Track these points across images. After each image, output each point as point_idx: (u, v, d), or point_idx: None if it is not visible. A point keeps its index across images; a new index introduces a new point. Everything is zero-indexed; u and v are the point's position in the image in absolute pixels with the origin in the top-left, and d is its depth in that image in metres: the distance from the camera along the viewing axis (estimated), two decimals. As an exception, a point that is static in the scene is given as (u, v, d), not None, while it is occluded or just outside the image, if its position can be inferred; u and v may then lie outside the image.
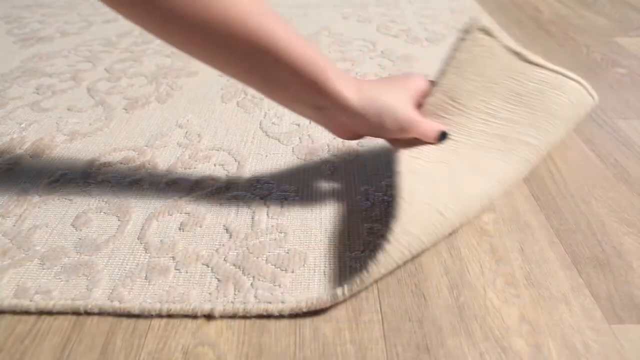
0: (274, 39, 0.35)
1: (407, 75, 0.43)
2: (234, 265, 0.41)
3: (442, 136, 0.41)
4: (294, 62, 0.36)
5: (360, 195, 0.49)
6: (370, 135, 0.42)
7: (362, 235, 0.44)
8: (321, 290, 0.38)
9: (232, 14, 0.34)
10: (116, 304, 0.37)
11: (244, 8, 0.34)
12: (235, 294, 0.38)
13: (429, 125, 0.40)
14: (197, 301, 0.37)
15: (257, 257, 0.41)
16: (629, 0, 1.12)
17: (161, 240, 0.43)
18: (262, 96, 0.69)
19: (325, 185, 0.51)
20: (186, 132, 0.60)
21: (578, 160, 0.54)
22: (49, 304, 0.37)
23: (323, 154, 0.56)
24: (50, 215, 0.47)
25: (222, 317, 0.37)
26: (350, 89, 0.39)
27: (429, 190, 0.38)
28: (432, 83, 0.42)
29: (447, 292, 0.38)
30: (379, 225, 0.45)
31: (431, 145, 0.41)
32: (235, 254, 0.42)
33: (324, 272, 0.40)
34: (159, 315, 0.37)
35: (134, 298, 0.38)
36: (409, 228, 0.36)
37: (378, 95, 0.39)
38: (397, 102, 0.39)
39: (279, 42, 0.35)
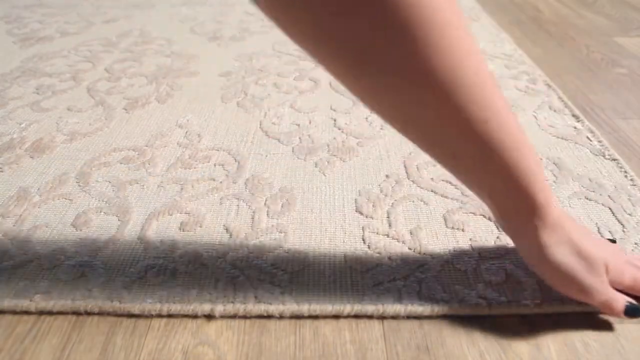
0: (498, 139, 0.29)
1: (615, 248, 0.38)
2: (234, 265, 0.41)
3: (631, 311, 0.34)
4: (507, 172, 0.31)
5: (360, 194, 0.49)
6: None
7: (362, 235, 0.44)
8: (321, 290, 0.38)
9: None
10: (116, 304, 0.37)
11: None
12: (235, 294, 0.38)
13: (613, 297, 0.34)
14: (197, 301, 0.37)
15: (257, 257, 0.41)
16: (629, 0, 1.12)
17: (161, 240, 0.43)
18: (262, 96, 0.69)
19: (325, 185, 0.51)
20: (186, 132, 0.60)
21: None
22: (49, 304, 0.37)
23: (323, 154, 0.56)
24: (50, 215, 0.47)
25: (222, 317, 0.37)
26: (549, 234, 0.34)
27: None
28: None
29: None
30: (379, 224, 0.45)
31: None
32: (235, 253, 0.42)
33: (324, 272, 0.40)
34: (159, 315, 0.37)
35: (134, 298, 0.38)
36: None
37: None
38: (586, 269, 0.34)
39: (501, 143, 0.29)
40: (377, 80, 0.27)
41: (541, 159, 0.54)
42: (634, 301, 0.35)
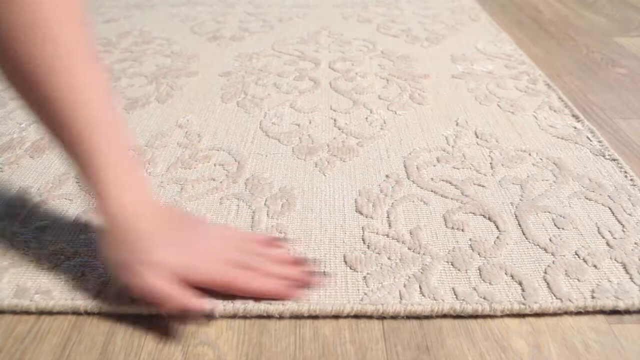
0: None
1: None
2: (234, 265, 0.41)
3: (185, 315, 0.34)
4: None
5: (360, 195, 0.49)
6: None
7: (361, 235, 0.44)
8: (321, 290, 0.38)
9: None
10: (116, 304, 0.37)
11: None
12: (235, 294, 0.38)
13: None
14: (197, 301, 0.37)
15: (257, 257, 0.41)
16: (629, 0, 1.12)
17: (161, 240, 0.43)
18: (262, 96, 0.69)
19: (325, 185, 0.51)
20: (186, 132, 0.60)
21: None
22: (49, 304, 0.37)
23: (323, 153, 0.56)
24: (50, 215, 0.47)
25: (222, 317, 0.37)
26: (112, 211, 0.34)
27: None
28: None
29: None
30: (379, 224, 0.45)
31: None
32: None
33: (324, 272, 0.40)
34: (159, 315, 0.37)
35: (134, 298, 0.38)
36: None
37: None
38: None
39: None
40: None
41: (541, 159, 0.54)
42: (192, 306, 0.34)
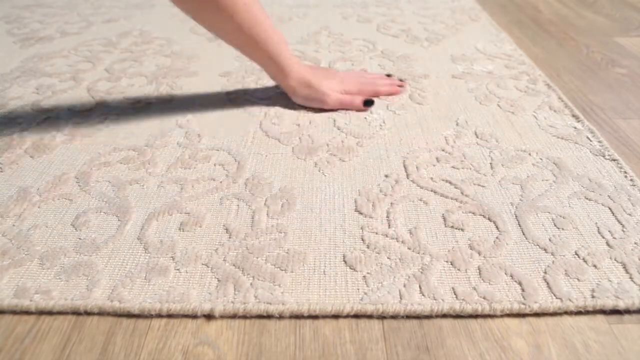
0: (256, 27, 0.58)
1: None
2: (234, 265, 0.41)
3: (366, 102, 0.65)
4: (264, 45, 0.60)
5: (360, 194, 0.49)
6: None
7: (361, 235, 0.44)
8: (321, 290, 0.38)
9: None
10: (116, 304, 0.37)
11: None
12: (235, 294, 0.38)
13: (351, 99, 0.65)
14: (197, 301, 0.37)
15: (257, 257, 0.41)
16: (629, 0, 1.12)
17: (161, 240, 0.43)
18: (262, 96, 0.70)
19: (325, 185, 0.51)
20: (186, 132, 0.60)
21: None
22: (49, 304, 0.37)
23: (323, 153, 0.56)
24: (50, 215, 0.47)
25: (222, 317, 0.37)
26: (292, 77, 0.64)
27: None
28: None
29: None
30: (379, 224, 0.45)
31: None
32: (235, 254, 0.42)
33: (324, 271, 0.40)
34: (159, 315, 0.37)
35: (134, 298, 0.38)
36: None
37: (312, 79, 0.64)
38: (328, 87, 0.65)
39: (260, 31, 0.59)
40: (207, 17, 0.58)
41: (541, 159, 0.54)
42: (367, 98, 0.66)
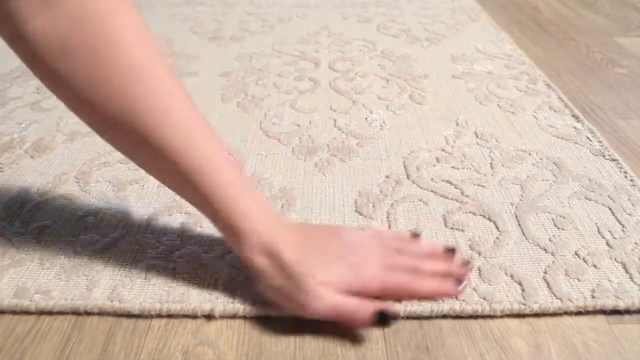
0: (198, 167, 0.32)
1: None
2: (234, 265, 0.41)
3: (380, 319, 0.33)
4: (217, 205, 0.33)
5: (360, 195, 0.49)
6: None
7: (362, 235, 0.44)
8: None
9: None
10: (116, 304, 0.37)
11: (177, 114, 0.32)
12: (235, 294, 0.38)
13: (358, 306, 0.34)
14: (197, 301, 0.37)
15: (257, 257, 0.41)
16: (629, 0, 1.12)
17: (161, 240, 0.43)
18: (262, 96, 0.69)
19: (325, 185, 0.51)
20: (186, 132, 0.60)
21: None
22: (49, 304, 0.37)
23: (323, 154, 0.56)
24: (50, 215, 0.47)
25: (222, 317, 0.37)
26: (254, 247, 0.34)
27: None
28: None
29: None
30: (379, 225, 0.45)
31: None
32: (235, 254, 0.42)
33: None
34: (159, 315, 0.37)
35: (134, 298, 0.38)
36: None
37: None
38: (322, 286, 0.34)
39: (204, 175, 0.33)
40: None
41: (541, 159, 0.54)
42: (385, 307, 0.33)
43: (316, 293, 0.33)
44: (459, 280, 0.37)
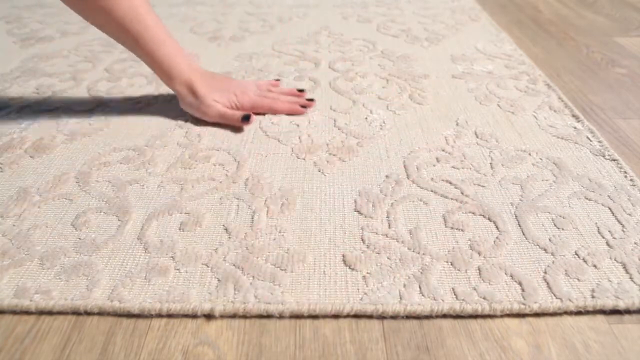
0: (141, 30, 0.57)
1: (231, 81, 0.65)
2: (234, 265, 0.41)
3: (243, 118, 0.60)
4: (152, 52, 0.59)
5: (360, 195, 0.49)
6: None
7: (361, 235, 0.44)
8: (321, 290, 0.38)
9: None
10: (116, 304, 0.37)
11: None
12: (235, 294, 0.38)
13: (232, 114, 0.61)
14: (197, 301, 0.37)
15: (257, 257, 0.41)
16: (629, 0, 1.12)
17: (161, 240, 0.43)
18: (262, 96, 0.70)
19: (325, 185, 0.51)
20: (186, 132, 0.60)
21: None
22: (49, 304, 0.37)
23: (323, 153, 0.56)
24: (50, 215, 0.47)
25: (222, 317, 0.37)
26: (181, 83, 0.61)
27: None
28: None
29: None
30: (379, 224, 0.45)
31: None
32: (234, 253, 0.42)
33: (324, 271, 0.40)
34: (159, 315, 0.37)
35: (134, 298, 0.38)
36: None
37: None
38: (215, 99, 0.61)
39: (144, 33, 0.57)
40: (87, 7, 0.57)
41: (541, 159, 0.54)
42: (246, 113, 0.60)
43: (211, 105, 0.60)
44: (305, 106, 0.64)
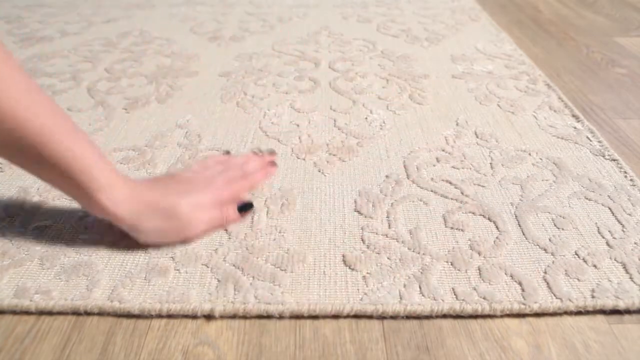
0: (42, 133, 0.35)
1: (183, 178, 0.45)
2: (234, 265, 0.41)
3: (244, 208, 0.45)
4: (62, 164, 0.36)
5: (360, 195, 0.49)
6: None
7: (361, 235, 0.44)
8: (321, 290, 0.38)
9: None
10: (116, 304, 0.37)
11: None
12: (235, 294, 0.38)
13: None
14: (197, 301, 0.37)
15: (257, 257, 0.41)
16: (629, 0, 1.12)
17: (161, 240, 0.43)
18: (262, 96, 0.69)
19: (325, 185, 0.51)
20: (186, 132, 0.60)
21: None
22: (49, 304, 0.37)
23: (323, 153, 0.56)
24: (50, 215, 0.46)
25: (222, 317, 0.37)
26: (119, 200, 0.39)
27: None
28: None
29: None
30: (379, 224, 0.45)
31: None
32: (234, 254, 0.42)
33: (324, 272, 0.40)
34: (159, 315, 0.37)
35: (134, 298, 0.38)
36: None
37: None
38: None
39: (46, 136, 0.35)
40: None
41: (541, 159, 0.54)
42: (240, 202, 0.45)
43: (190, 218, 0.41)
44: (273, 162, 0.52)
